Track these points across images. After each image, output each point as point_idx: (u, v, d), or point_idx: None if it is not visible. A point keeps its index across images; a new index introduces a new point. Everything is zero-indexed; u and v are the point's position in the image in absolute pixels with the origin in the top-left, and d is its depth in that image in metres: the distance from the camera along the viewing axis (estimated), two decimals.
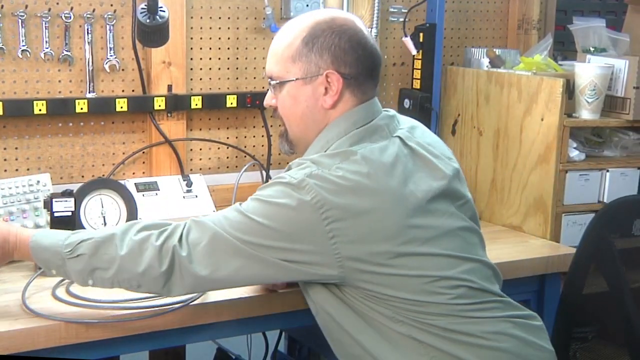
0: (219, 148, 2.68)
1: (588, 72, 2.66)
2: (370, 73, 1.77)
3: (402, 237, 1.63)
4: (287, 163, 2.74)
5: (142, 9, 2.27)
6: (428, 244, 1.66)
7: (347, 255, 1.62)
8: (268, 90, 1.83)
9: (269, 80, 1.81)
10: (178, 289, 1.68)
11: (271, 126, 2.72)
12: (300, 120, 1.78)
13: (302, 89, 1.75)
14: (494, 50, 2.90)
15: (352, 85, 1.75)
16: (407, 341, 1.67)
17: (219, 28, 2.63)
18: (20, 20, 2.32)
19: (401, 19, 2.85)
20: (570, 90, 2.68)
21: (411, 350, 1.67)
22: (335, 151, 1.70)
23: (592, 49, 2.88)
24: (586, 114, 2.67)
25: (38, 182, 2.20)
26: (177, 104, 2.55)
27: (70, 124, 2.47)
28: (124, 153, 2.55)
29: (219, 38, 2.63)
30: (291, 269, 1.64)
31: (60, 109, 2.39)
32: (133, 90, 2.53)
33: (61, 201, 2.06)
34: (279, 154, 2.78)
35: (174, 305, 1.82)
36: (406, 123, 1.84)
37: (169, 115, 2.56)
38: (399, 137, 1.75)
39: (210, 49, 2.62)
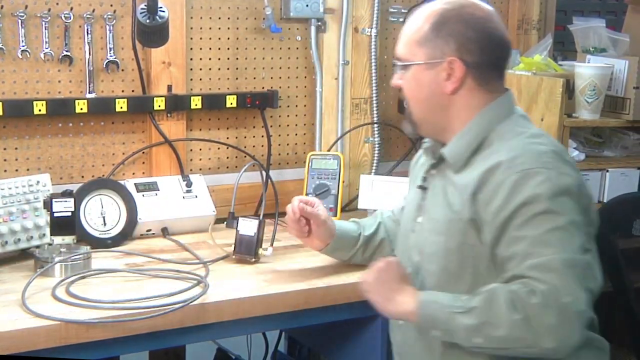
0: (218, 148, 2.68)
1: (588, 72, 2.66)
2: (495, 63, 1.81)
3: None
4: (287, 163, 2.78)
5: (142, 9, 2.27)
6: None
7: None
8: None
9: (396, 61, 1.85)
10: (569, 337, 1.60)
11: (271, 126, 2.72)
12: (423, 103, 1.82)
13: (425, 73, 1.79)
14: None
15: (475, 74, 1.78)
16: None
17: (219, 28, 2.63)
18: (20, 21, 2.32)
19: (401, 19, 2.85)
20: (570, 90, 2.68)
21: None
22: (529, 131, 1.79)
23: (592, 49, 2.88)
24: (586, 114, 2.67)
25: (38, 182, 2.20)
26: (177, 104, 2.54)
27: (70, 124, 2.47)
28: (123, 153, 2.54)
29: (219, 38, 2.63)
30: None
31: (60, 109, 2.39)
32: (133, 91, 2.52)
33: (61, 201, 2.06)
34: (279, 154, 2.78)
35: (174, 306, 1.82)
36: None
37: (168, 115, 2.56)
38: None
39: (210, 49, 2.62)
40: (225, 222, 2.49)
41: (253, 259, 2.18)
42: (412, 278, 1.80)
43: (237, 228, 2.21)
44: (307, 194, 2.58)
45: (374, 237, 2.14)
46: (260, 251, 2.20)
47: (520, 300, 1.58)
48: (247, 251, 2.18)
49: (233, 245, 2.21)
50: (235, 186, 2.50)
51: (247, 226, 2.20)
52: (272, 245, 2.26)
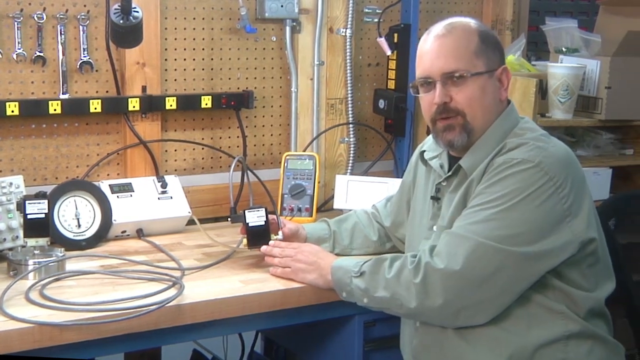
0: (194, 149, 2.67)
1: (561, 72, 2.69)
2: None
3: None
4: (263, 164, 2.77)
5: (116, 9, 2.26)
6: None
7: None
8: (435, 86, 1.89)
9: (449, 74, 1.86)
10: None
11: (246, 127, 2.71)
12: (486, 110, 1.90)
13: (488, 82, 1.89)
14: None
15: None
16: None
17: (194, 29, 2.62)
18: None
19: (376, 20, 2.86)
20: (543, 90, 2.70)
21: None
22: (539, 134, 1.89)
23: (564, 50, 2.91)
24: (559, 113, 2.70)
25: (11, 184, 2.18)
26: (152, 105, 2.53)
27: (44, 126, 2.45)
28: (98, 154, 2.53)
29: (194, 39, 2.63)
30: None
31: (34, 110, 2.37)
32: (107, 91, 2.51)
33: (34, 203, 2.05)
34: (255, 154, 2.77)
35: (149, 307, 1.81)
36: None
37: (143, 116, 2.55)
38: None
39: (184, 49, 2.61)
40: (229, 218, 2.43)
41: None
42: None
43: (246, 221, 2.16)
44: (282, 195, 2.58)
45: (344, 226, 2.28)
46: (273, 237, 2.18)
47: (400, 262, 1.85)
48: (262, 241, 2.16)
49: (244, 239, 2.18)
50: (230, 184, 2.33)
51: (256, 217, 2.17)
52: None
